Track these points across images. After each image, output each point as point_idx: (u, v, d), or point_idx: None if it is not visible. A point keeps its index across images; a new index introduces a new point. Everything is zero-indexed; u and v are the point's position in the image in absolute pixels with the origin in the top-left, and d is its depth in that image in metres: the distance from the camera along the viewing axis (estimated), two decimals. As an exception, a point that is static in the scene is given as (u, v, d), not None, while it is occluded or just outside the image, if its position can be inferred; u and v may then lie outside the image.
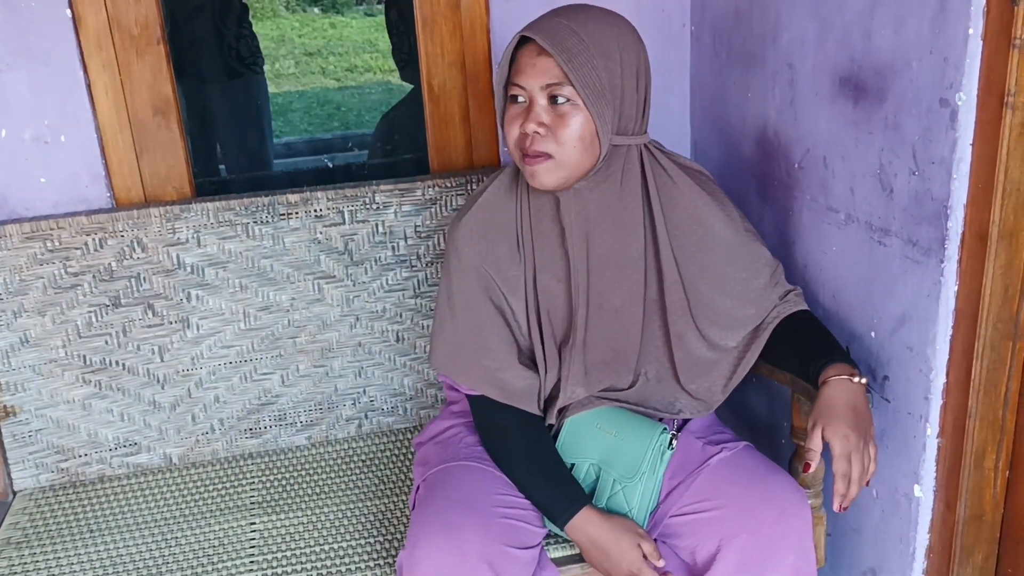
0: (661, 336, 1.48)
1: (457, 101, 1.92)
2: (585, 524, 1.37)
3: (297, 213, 1.77)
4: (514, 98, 1.34)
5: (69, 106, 1.74)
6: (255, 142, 3.22)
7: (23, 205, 1.77)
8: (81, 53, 1.73)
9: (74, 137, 1.76)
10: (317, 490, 1.76)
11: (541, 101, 1.31)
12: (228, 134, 3.13)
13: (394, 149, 2.78)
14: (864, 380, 1.30)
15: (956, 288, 1.29)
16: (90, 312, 1.74)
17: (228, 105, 3.06)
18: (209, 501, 1.75)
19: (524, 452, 1.45)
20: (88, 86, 1.75)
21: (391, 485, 1.76)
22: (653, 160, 1.43)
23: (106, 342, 1.76)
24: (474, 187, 1.82)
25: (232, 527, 1.66)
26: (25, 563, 1.60)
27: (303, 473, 1.81)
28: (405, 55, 2.54)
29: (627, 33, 1.34)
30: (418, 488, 1.48)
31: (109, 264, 1.72)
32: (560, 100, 1.30)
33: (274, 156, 3.49)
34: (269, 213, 1.76)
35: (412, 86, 2.58)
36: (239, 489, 1.78)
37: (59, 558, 1.61)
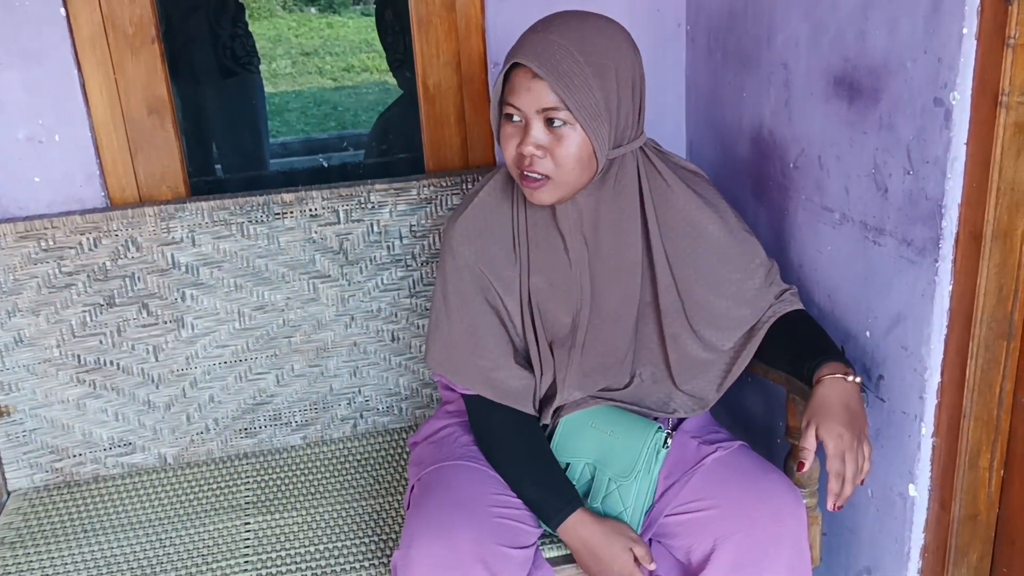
0: (656, 338, 1.48)
1: (452, 101, 1.92)
2: (577, 526, 1.37)
3: (292, 212, 1.76)
4: (509, 116, 1.32)
5: (63, 105, 1.74)
6: (251, 142, 3.21)
7: (17, 204, 1.77)
8: (75, 52, 1.73)
9: (68, 136, 1.76)
10: (312, 490, 1.76)
11: (537, 123, 1.29)
12: (224, 134, 3.12)
13: (390, 149, 2.78)
14: (858, 379, 1.30)
15: (951, 288, 1.29)
16: (84, 312, 1.73)
17: (224, 105, 3.05)
18: (204, 501, 1.74)
19: (518, 452, 1.45)
20: (82, 85, 1.75)
21: (386, 485, 1.76)
22: (648, 162, 1.42)
23: (100, 342, 1.76)
24: (469, 187, 1.82)
25: (227, 527, 1.66)
26: (19, 563, 1.60)
27: (298, 473, 1.81)
28: (399, 56, 2.54)
29: (621, 43, 1.31)
30: (413, 488, 1.48)
31: (103, 264, 1.72)
32: (556, 123, 1.28)
33: (270, 156, 3.48)
34: (264, 212, 1.75)
35: (406, 89, 2.57)
36: (234, 489, 1.77)
37: (53, 558, 1.61)
